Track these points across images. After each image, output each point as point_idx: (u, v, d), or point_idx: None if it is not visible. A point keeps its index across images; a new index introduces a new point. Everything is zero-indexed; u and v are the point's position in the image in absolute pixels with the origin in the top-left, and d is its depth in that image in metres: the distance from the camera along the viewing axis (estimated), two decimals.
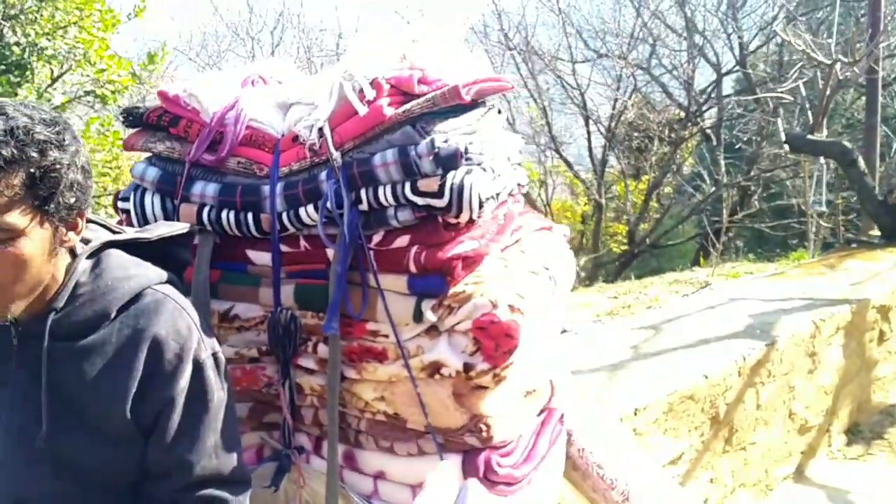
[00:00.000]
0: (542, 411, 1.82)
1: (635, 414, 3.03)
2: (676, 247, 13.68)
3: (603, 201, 12.41)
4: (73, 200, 1.21)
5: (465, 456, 1.61)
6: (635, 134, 12.49)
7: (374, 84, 1.57)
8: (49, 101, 5.40)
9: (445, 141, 1.49)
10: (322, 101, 1.60)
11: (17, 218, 1.14)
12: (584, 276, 10.82)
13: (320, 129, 1.56)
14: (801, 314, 4.36)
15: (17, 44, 5.23)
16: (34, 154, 1.14)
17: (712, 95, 12.64)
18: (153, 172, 1.70)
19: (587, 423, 2.16)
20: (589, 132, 12.59)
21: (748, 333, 4.00)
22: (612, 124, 12.33)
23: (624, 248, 12.80)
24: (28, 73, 5.30)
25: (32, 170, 1.14)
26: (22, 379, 1.26)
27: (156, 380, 1.27)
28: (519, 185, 1.84)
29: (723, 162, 11.59)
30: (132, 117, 1.74)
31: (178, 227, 1.48)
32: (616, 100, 12.31)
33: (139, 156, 1.79)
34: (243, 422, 1.72)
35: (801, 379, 4.18)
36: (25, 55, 5.23)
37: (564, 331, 4.30)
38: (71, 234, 1.25)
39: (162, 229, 1.45)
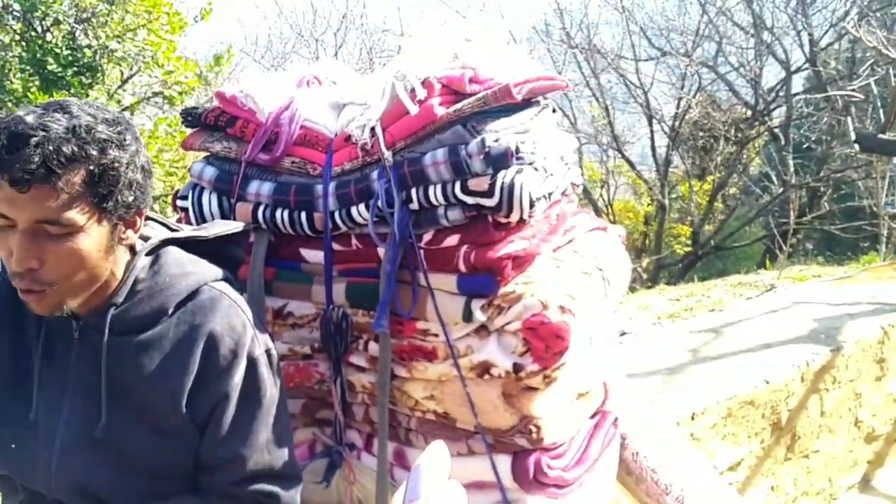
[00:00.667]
0: (595, 414, 1.79)
1: (693, 418, 2.99)
2: (742, 249, 13.37)
3: (666, 202, 12.20)
4: (131, 199, 1.23)
5: (515, 457, 1.60)
6: (700, 133, 12.24)
7: (426, 83, 1.57)
8: (119, 101, 5.56)
9: (496, 140, 1.48)
10: (374, 101, 1.61)
11: (76, 214, 1.17)
12: (646, 278, 10.67)
13: (372, 129, 1.57)
14: (869, 319, 4.22)
15: (89, 46, 5.38)
16: (94, 152, 1.16)
17: (780, 94, 12.31)
18: (210, 171, 1.73)
19: (642, 427, 2.13)
20: (652, 131, 12.40)
21: (812, 338, 3.89)
22: (676, 123, 12.10)
23: (688, 249, 12.57)
24: (99, 74, 5.46)
25: (92, 167, 1.16)
26: (82, 371, 1.30)
27: (211, 375, 1.29)
28: (573, 184, 1.82)
29: (791, 162, 11.28)
30: (191, 118, 1.78)
31: (234, 226, 1.49)
32: (680, 98, 12.08)
33: (203, 155, 1.83)
34: (296, 417, 1.74)
35: (868, 386, 4.05)
36: (96, 57, 5.38)
37: (623, 333, 4.24)
38: (129, 232, 1.28)
39: (218, 228, 1.47)
